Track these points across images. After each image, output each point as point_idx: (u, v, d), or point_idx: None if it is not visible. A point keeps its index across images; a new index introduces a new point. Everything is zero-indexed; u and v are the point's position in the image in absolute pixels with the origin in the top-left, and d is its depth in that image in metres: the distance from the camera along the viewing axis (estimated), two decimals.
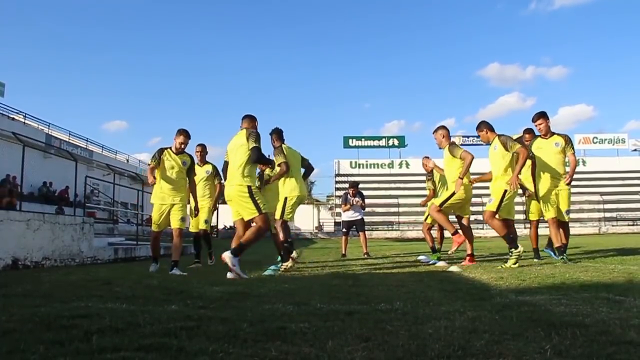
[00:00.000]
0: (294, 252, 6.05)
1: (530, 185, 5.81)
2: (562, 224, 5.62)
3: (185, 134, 5.53)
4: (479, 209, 5.35)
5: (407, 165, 43.53)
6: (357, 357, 1.60)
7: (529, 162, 5.79)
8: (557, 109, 79.72)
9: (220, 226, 29.40)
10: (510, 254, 5.06)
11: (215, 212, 7.18)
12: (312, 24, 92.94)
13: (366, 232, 9.24)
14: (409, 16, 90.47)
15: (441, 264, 5.78)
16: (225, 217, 27.75)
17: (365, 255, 8.30)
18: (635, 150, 43.80)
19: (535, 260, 5.87)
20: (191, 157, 5.72)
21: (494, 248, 9.66)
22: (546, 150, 5.62)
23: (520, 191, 5.72)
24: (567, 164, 5.69)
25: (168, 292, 3.27)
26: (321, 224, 39.13)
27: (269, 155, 5.44)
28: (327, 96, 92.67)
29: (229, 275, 4.45)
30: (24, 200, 15.42)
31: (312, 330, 1.97)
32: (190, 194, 5.77)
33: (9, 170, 16.86)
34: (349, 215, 9.10)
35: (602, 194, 35.31)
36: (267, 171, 6.10)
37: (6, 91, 24.29)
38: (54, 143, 22.75)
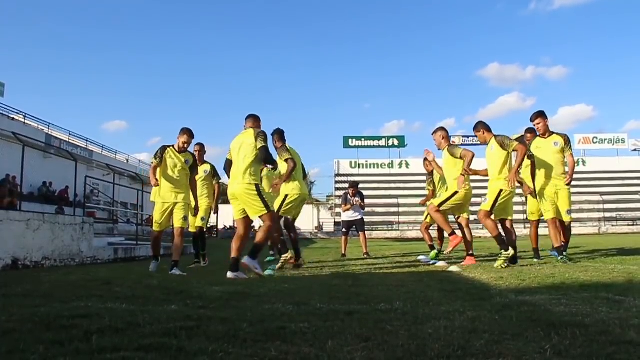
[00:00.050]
0: (300, 258, 6.12)
1: (530, 185, 5.82)
2: (563, 224, 5.63)
3: (189, 133, 5.52)
4: (478, 209, 5.37)
5: (407, 165, 43.50)
6: (357, 357, 1.60)
7: (529, 162, 5.81)
8: (557, 109, 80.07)
9: (220, 226, 29.41)
10: (499, 255, 5.12)
11: (216, 213, 7.19)
12: (312, 24, 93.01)
13: (366, 232, 9.25)
14: (409, 16, 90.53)
15: (441, 264, 5.79)
16: (226, 217, 27.79)
17: (365, 255, 8.30)
18: (635, 150, 43.76)
19: (535, 260, 5.88)
20: (193, 155, 5.72)
21: (493, 248, 9.61)
22: (545, 149, 5.62)
23: (519, 190, 5.73)
24: (566, 164, 5.69)
25: (168, 292, 3.27)
26: (321, 224, 39.09)
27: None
28: (327, 96, 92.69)
29: (229, 275, 4.46)
30: (24, 200, 15.43)
31: (312, 330, 1.97)
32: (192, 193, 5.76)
33: (9, 170, 16.85)
34: (348, 215, 9.10)
35: (602, 194, 35.28)
36: (265, 171, 6.12)
37: (6, 91, 24.32)
38: (53, 143, 22.74)
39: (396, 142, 44.62)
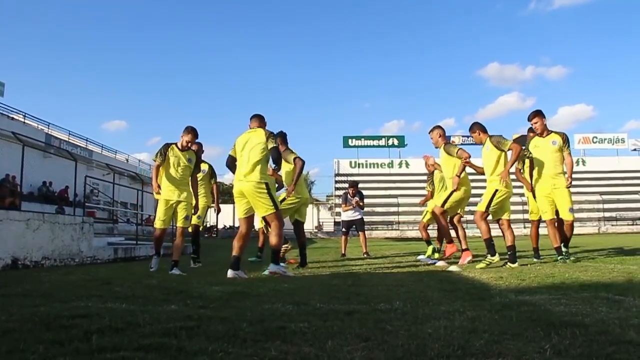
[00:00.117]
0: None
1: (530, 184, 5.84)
2: (562, 223, 5.62)
3: (193, 132, 5.50)
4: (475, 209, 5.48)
5: (407, 165, 43.51)
6: (357, 357, 1.60)
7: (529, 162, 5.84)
8: (557, 108, 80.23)
9: (220, 226, 29.41)
10: (485, 257, 5.25)
11: (218, 213, 7.18)
12: (313, 23, 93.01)
13: (366, 231, 9.27)
14: (409, 16, 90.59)
15: (441, 263, 5.81)
16: (226, 217, 27.78)
17: (365, 255, 8.31)
18: (634, 150, 43.77)
19: (535, 260, 5.88)
20: (196, 154, 5.71)
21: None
22: (543, 148, 5.62)
23: (519, 190, 5.76)
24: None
25: (168, 292, 3.28)
26: (321, 223, 39.12)
27: None
28: (327, 96, 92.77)
29: (229, 273, 4.48)
30: (24, 199, 15.41)
31: (312, 330, 1.97)
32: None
33: (9, 170, 16.85)
34: (348, 215, 9.11)
35: (601, 193, 35.28)
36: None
37: (6, 91, 24.27)
38: (53, 143, 22.73)
39: (396, 142, 44.63)
